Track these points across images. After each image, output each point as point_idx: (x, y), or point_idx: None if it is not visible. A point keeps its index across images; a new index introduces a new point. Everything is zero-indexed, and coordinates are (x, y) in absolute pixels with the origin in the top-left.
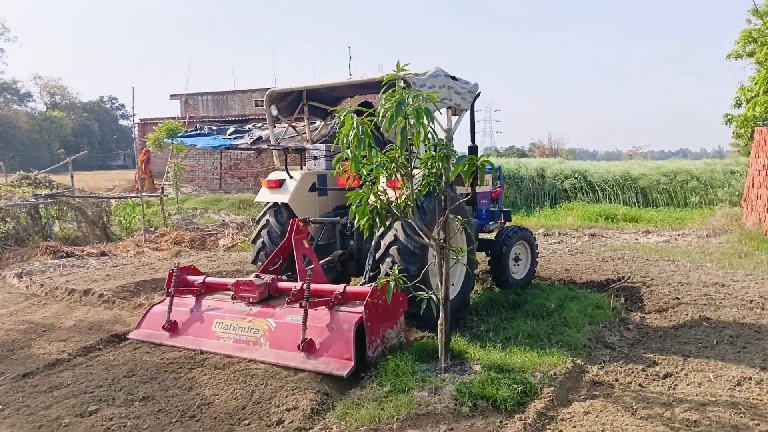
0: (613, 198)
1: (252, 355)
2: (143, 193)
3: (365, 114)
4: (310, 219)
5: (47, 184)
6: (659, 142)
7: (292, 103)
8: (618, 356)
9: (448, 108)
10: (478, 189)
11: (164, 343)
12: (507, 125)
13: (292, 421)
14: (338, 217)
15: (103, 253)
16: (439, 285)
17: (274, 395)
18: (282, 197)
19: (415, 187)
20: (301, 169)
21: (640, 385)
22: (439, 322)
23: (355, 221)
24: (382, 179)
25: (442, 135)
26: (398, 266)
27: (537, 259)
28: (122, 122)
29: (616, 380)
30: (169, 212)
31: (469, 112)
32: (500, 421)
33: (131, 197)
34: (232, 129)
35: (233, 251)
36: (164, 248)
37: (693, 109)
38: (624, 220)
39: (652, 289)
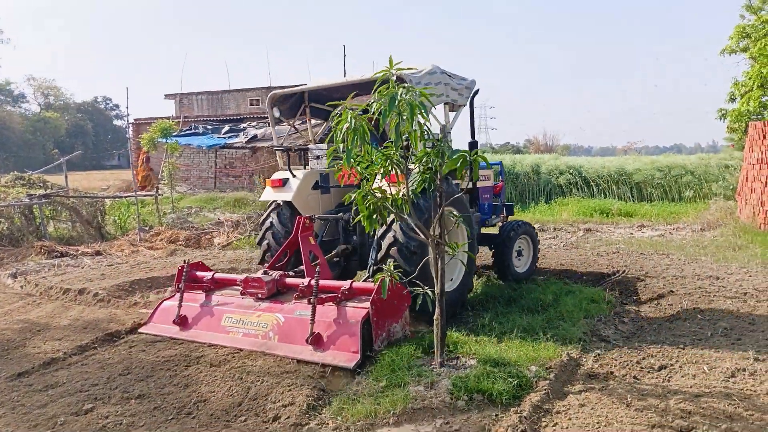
0: (607, 193)
1: (261, 348)
2: (140, 192)
3: (359, 110)
4: (316, 216)
5: (41, 185)
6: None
7: (293, 105)
8: (613, 349)
9: (445, 104)
10: (480, 184)
11: (174, 336)
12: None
13: (288, 417)
14: (341, 214)
15: (98, 253)
16: (434, 280)
17: (270, 391)
18: (286, 195)
19: (411, 183)
20: (304, 168)
21: (635, 377)
22: (434, 317)
23: (358, 217)
24: (378, 176)
25: (437, 131)
26: (400, 267)
27: (538, 253)
28: (116, 122)
29: (611, 373)
30: (164, 211)
31: (468, 108)
32: (496, 415)
33: (126, 196)
34: (226, 128)
35: (228, 249)
36: (159, 247)
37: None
38: (619, 214)
39: (647, 282)
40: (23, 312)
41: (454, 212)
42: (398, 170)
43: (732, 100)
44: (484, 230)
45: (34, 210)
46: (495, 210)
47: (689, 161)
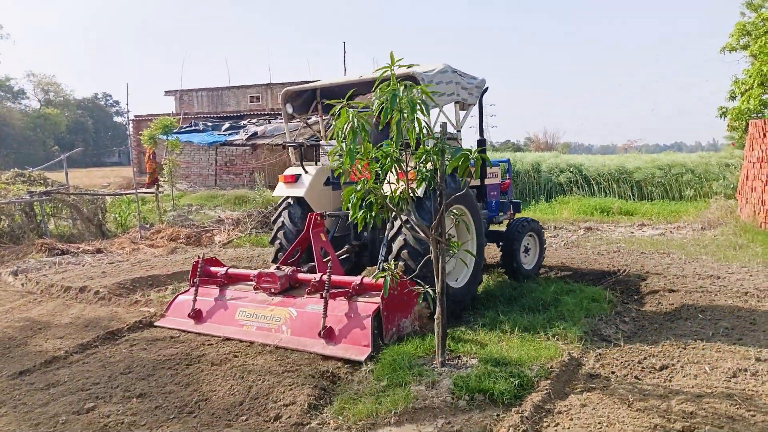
0: (608, 191)
1: (274, 341)
2: (144, 189)
3: (360, 107)
4: (327, 213)
5: (42, 182)
6: (654, 135)
7: (306, 101)
8: (614, 349)
9: (455, 103)
10: (487, 181)
11: (190, 330)
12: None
13: (289, 417)
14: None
15: (99, 250)
16: (435, 279)
17: (271, 390)
18: (298, 191)
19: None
20: (316, 164)
21: (636, 377)
22: (435, 317)
23: (353, 217)
24: (390, 173)
25: (451, 129)
26: (411, 268)
27: (545, 250)
28: (117, 119)
29: (613, 373)
30: (165, 209)
31: (477, 106)
32: (497, 415)
33: (126, 194)
34: (227, 125)
35: (229, 247)
36: (160, 245)
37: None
38: (619, 213)
39: (648, 281)
40: (24, 310)
41: (454, 211)
42: (399, 168)
43: (732, 98)
44: (491, 227)
45: (34, 207)
46: (502, 207)
47: (690, 160)
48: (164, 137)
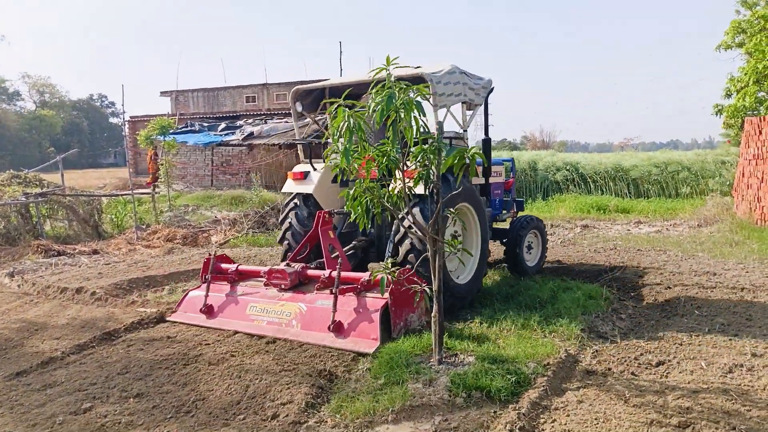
0: (604, 189)
1: (285, 335)
2: (136, 190)
3: (356, 107)
4: (335, 210)
5: (37, 183)
6: (650, 133)
7: (315, 99)
8: (611, 345)
9: (462, 103)
10: (491, 180)
11: (202, 324)
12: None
13: (287, 415)
14: None
15: (95, 251)
16: (432, 277)
17: (268, 389)
18: (307, 188)
19: (408, 180)
20: (324, 162)
21: (632, 373)
22: (432, 315)
23: (351, 215)
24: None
25: (458, 129)
26: (418, 270)
27: (547, 247)
28: (112, 120)
29: (609, 369)
30: (161, 209)
31: (483, 106)
32: (494, 411)
33: (122, 195)
34: (223, 125)
35: (226, 247)
36: (156, 245)
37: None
38: (616, 211)
39: (644, 278)
40: (21, 311)
41: (470, 208)
42: (396, 167)
43: (728, 95)
44: (495, 225)
45: (30, 209)
46: (506, 205)
47: (686, 157)
48: (161, 138)
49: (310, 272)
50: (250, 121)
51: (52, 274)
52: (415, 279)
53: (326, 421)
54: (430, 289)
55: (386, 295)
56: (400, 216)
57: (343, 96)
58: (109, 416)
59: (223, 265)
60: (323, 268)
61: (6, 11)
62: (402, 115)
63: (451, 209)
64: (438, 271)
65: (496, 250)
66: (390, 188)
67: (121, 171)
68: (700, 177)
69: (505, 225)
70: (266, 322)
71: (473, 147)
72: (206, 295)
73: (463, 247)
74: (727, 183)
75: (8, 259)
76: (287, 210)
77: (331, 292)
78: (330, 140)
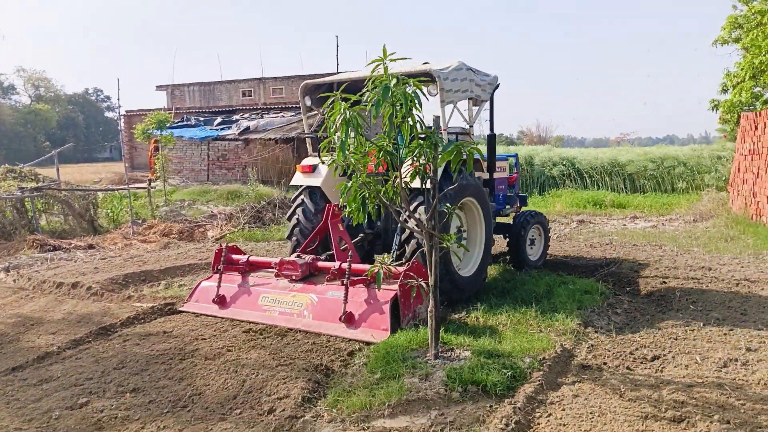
0: (601, 184)
1: (296, 325)
2: (132, 185)
3: (352, 101)
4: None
5: (33, 178)
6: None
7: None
8: (606, 340)
9: (469, 99)
10: (495, 175)
11: (214, 314)
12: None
13: (283, 410)
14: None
15: (91, 246)
16: (429, 273)
17: (265, 384)
18: (315, 181)
19: (404, 175)
20: (320, 156)
21: (628, 368)
22: (428, 309)
23: (347, 210)
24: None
25: (464, 125)
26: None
27: (549, 243)
28: (108, 114)
29: (605, 363)
30: (157, 204)
31: (488, 102)
32: (490, 406)
33: (118, 189)
34: (219, 119)
35: (222, 242)
36: (152, 240)
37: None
38: (612, 206)
39: (640, 273)
40: (16, 306)
41: (475, 202)
42: (392, 161)
43: (724, 91)
44: (498, 220)
45: (25, 203)
46: (509, 200)
47: (682, 152)
48: (158, 132)
49: (320, 264)
50: (246, 115)
51: (48, 268)
52: (424, 271)
53: (323, 416)
54: (427, 284)
55: (396, 287)
56: (398, 211)
57: (339, 90)
58: (105, 411)
59: (234, 256)
60: (333, 260)
61: (0, 5)
62: (398, 109)
63: (448, 204)
64: (434, 266)
65: (496, 244)
66: (388, 184)
67: (117, 165)
68: (696, 172)
69: (509, 220)
70: (278, 313)
71: (470, 142)
72: (218, 286)
73: (465, 243)
74: (723, 178)
75: (4, 254)
76: (294, 206)
77: (342, 284)
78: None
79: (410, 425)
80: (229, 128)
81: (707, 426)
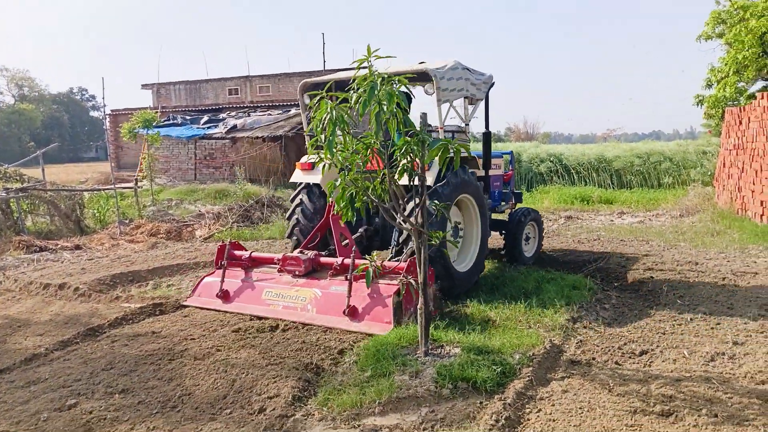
0: (588, 180)
1: (300, 318)
2: (118, 185)
3: (339, 100)
4: None
5: (18, 178)
6: (633, 124)
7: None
8: (594, 335)
9: (465, 98)
10: (491, 172)
11: (218, 308)
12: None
13: (274, 409)
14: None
15: (78, 247)
16: (418, 271)
17: (255, 383)
18: (314, 178)
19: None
20: (307, 154)
21: (616, 362)
22: (418, 307)
23: (334, 208)
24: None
25: (460, 123)
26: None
27: (543, 238)
28: (93, 114)
29: (593, 359)
30: (144, 204)
31: (483, 101)
32: (480, 402)
33: (105, 189)
34: (205, 118)
35: (210, 242)
36: (140, 240)
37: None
38: (599, 202)
39: (627, 268)
40: (3, 308)
41: (435, 201)
42: (380, 159)
43: (709, 86)
44: (493, 216)
45: (11, 204)
46: (504, 197)
47: (668, 148)
48: (144, 131)
49: (323, 259)
50: (233, 114)
51: (35, 270)
52: None
53: (313, 414)
54: (416, 282)
55: (397, 282)
56: (386, 208)
57: (326, 87)
58: (94, 412)
59: (237, 252)
60: (335, 256)
61: None
62: (384, 107)
63: (436, 201)
64: (423, 263)
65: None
66: (376, 181)
67: (103, 165)
68: (682, 167)
69: (504, 216)
70: (282, 307)
71: (456, 140)
72: (222, 281)
73: (462, 239)
74: (709, 173)
75: None
76: (294, 206)
77: (346, 278)
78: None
79: (401, 422)
80: (216, 127)
81: (695, 420)
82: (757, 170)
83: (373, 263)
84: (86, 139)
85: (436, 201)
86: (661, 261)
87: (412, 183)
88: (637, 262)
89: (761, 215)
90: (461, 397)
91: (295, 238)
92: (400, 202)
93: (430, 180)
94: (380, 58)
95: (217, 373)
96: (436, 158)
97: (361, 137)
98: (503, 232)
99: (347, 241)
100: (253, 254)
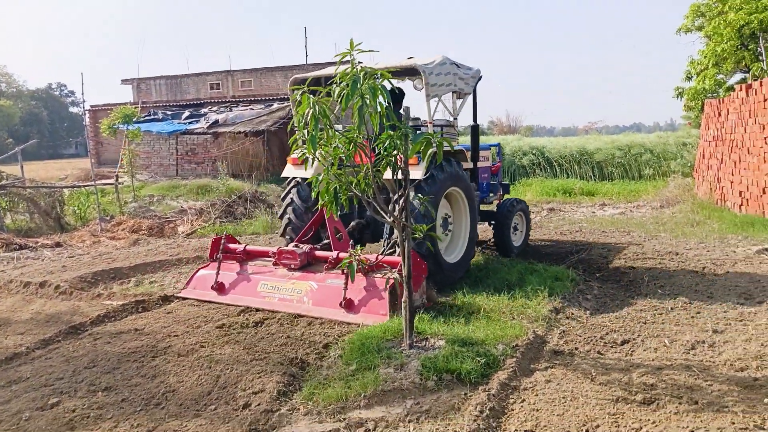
0: (570, 173)
1: (296, 310)
2: (98, 181)
3: (321, 93)
4: None
5: None
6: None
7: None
8: (577, 326)
9: (453, 92)
10: (479, 164)
11: (213, 300)
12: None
13: (259, 404)
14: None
15: (58, 244)
16: (402, 264)
17: (240, 379)
18: (306, 173)
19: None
20: (290, 151)
21: (598, 352)
22: (402, 300)
23: (321, 203)
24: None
25: (449, 117)
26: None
27: (531, 228)
28: (72, 109)
29: (576, 349)
30: (125, 200)
31: (471, 95)
32: (465, 393)
33: (85, 186)
34: (187, 113)
35: (193, 238)
36: (121, 237)
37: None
38: (581, 194)
39: (609, 259)
40: None
41: (419, 195)
42: (363, 153)
43: (688, 78)
44: (482, 207)
45: None
46: (492, 189)
47: (648, 140)
48: (125, 127)
49: (318, 253)
50: (214, 108)
51: (14, 268)
52: (419, 260)
53: (298, 409)
54: (401, 275)
55: (394, 275)
56: (369, 202)
57: (307, 81)
58: (77, 410)
59: (231, 245)
60: (330, 250)
61: None
62: (367, 101)
63: (420, 195)
64: (407, 257)
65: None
66: (359, 175)
67: (83, 161)
68: (662, 159)
69: (492, 207)
70: (278, 299)
71: (438, 133)
72: (217, 273)
73: (451, 231)
74: (689, 164)
75: None
76: (285, 205)
77: (343, 272)
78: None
79: (386, 415)
80: (197, 122)
81: (676, 407)
82: (736, 161)
83: (356, 257)
84: (66, 135)
85: (419, 195)
86: (642, 251)
87: (396, 177)
88: (619, 252)
89: (740, 205)
90: (446, 388)
91: (288, 237)
92: (391, 195)
93: (419, 174)
94: (363, 52)
95: (201, 370)
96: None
97: (344, 132)
98: (492, 222)
99: (341, 234)
100: (248, 247)
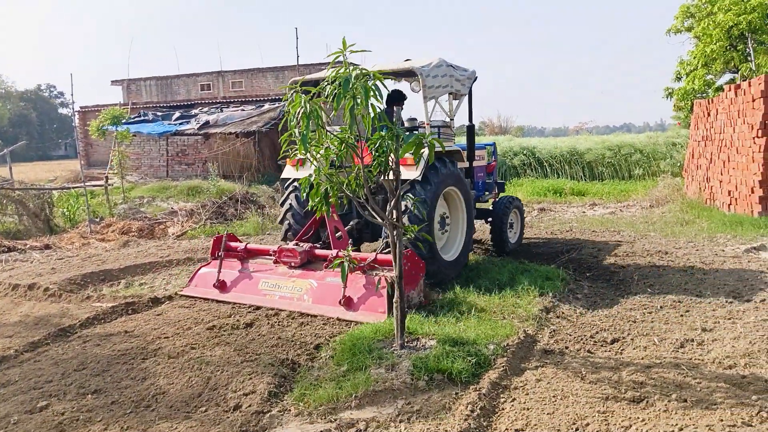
0: (560, 173)
1: (297, 308)
2: (87, 183)
3: (312, 93)
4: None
5: None
6: (604, 117)
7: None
8: (567, 325)
9: (449, 93)
10: (474, 163)
11: (215, 298)
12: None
13: (249, 405)
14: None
15: (47, 246)
16: (393, 264)
17: (230, 381)
18: (305, 173)
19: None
20: (281, 150)
21: (588, 351)
22: (394, 300)
23: (309, 203)
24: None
25: (445, 118)
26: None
27: (525, 225)
28: (62, 111)
29: (566, 348)
30: (115, 202)
31: (467, 96)
32: (456, 393)
33: (74, 187)
34: (177, 114)
35: (183, 239)
36: (111, 239)
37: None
38: (571, 194)
39: (599, 259)
40: None
41: (410, 196)
42: (355, 154)
43: (678, 79)
44: (478, 205)
45: None
46: (488, 187)
47: (638, 140)
48: (114, 128)
49: (318, 252)
50: (205, 109)
51: (3, 270)
52: (417, 259)
53: (289, 410)
54: (416, 272)
55: (392, 273)
56: (360, 202)
57: (300, 82)
58: (66, 413)
59: (232, 244)
60: (329, 248)
61: None
62: (359, 101)
63: (411, 195)
64: (399, 257)
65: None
66: (350, 176)
67: (72, 163)
68: (652, 159)
69: (488, 205)
70: (278, 297)
71: (431, 133)
72: (219, 271)
73: (448, 229)
74: (678, 164)
75: None
76: (284, 210)
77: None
78: (327, 127)
79: (377, 415)
80: (188, 123)
81: (665, 405)
82: (725, 161)
83: (348, 257)
84: (55, 136)
85: (410, 195)
86: (632, 251)
87: (386, 177)
88: (609, 252)
89: (729, 205)
90: (437, 388)
91: (287, 222)
92: (388, 196)
93: (415, 174)
94: (354, 52)
95: (192, 371)
96: (425, 153)
97: (336, 133)
98: (488, 220)
99: (340, 233)
100: (249, 246)
